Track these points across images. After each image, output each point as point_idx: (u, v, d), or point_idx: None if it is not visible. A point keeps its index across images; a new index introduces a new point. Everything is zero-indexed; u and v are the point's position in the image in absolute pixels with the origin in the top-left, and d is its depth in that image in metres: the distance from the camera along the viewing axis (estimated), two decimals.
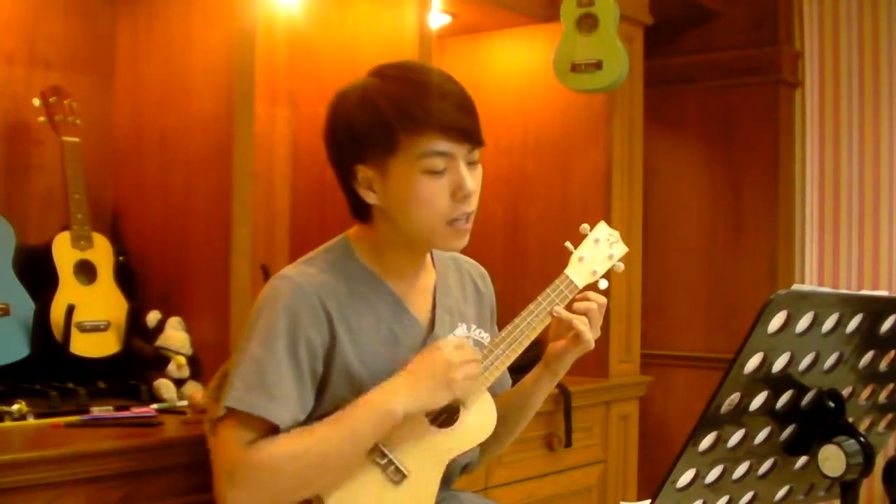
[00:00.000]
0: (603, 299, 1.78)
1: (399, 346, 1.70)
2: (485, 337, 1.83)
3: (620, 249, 1.83)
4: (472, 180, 1.65)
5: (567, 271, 1.78)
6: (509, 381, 1.91)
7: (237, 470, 1.55)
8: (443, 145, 1.61)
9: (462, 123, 1.62)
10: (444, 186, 1.62)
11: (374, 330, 1.68)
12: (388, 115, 1.61)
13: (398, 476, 1.63)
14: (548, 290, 1.75)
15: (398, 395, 1.59)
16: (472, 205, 1.66)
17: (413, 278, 1.76)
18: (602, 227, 1.83)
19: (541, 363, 1.83)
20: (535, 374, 1.84)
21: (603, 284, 1.81)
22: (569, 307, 1.77)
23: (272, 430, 1.57)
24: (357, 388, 1.63)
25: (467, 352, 1.66)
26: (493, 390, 1.74)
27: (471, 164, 1.66)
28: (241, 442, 1.56)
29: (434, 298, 1.77)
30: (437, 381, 1.61)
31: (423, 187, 1.62)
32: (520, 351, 1.72)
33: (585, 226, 1.81)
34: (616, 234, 1.84)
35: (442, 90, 1.63)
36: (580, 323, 1.74)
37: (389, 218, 1.67)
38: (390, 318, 1.70)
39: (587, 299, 1.77)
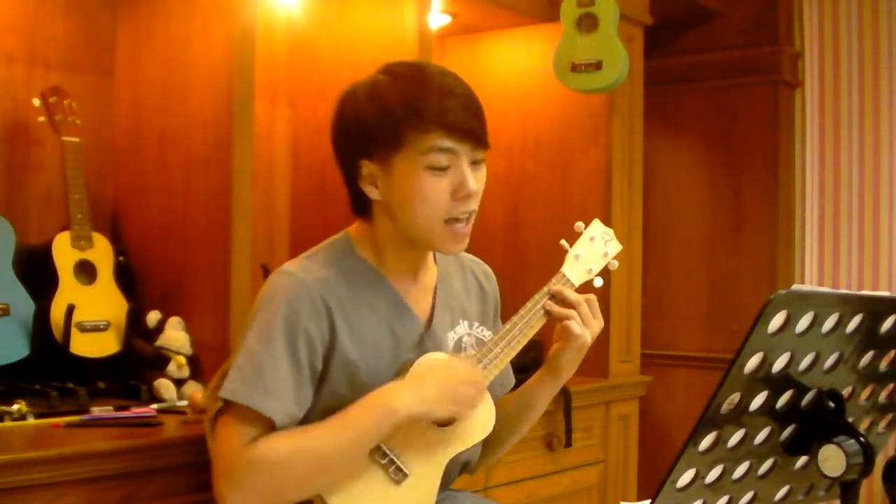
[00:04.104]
0: (592, 297, 1.77)
1: (398, 343, 1.70)
2: (487, 334, 1.83)
3: (615, 247, 1.84)
4: (475, 181, 1.65)
5: (563, 269, 1.78)
6: (512, 379, 1.91)
7: (235, 468, 1.55)
8: (447, 142, 1.62)
9: (468, 123, 1.63)
10: (445, 185, 1.63)
11: (373, 326, 1.68)
12: (395, 111, 1.62)
13: (399, 475, 1.63)
14: (544, 289, 1.75)
15: (401, 397, 1.59)
16: (473, 205, 1.67)
17: (414, 275, 1.76)
18: (597, 224, 1.83)
19: (543, 366, 1.82)
20: (538, 377, 1.84)
21: (598, 282, 1.81)
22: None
23: (271, 427, 1.57)
24: (356, 385, 1.64)
25: (476, 373, 1.66)
26: (494, 389, 1.74)
27: (475, 163, 1.66)
28: (240, 440, 1.56)
29: (435, 296, 1.78)
30: (443, 390, 1.61)
31: (425, 184, 1.62)
32: (518, 349, 1.72)
33: (580, 224, 1.81)
34: (611, 231, 1.84)
35: (450, 90, 1.65)
36: (570, 318, 1.73)
37: (390, 214, 1.68)
38: (390, 314, 1.70)
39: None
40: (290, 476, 1.56)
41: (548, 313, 1.73)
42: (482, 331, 1.84)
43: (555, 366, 1.79)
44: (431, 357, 1.68)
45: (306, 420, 1.62)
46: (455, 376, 1.63)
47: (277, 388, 1.57)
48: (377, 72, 1.71)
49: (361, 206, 1.72)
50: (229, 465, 1.56)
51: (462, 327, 1.80)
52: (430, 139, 1.61)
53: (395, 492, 1.63)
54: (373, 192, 1.67)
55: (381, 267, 1.72)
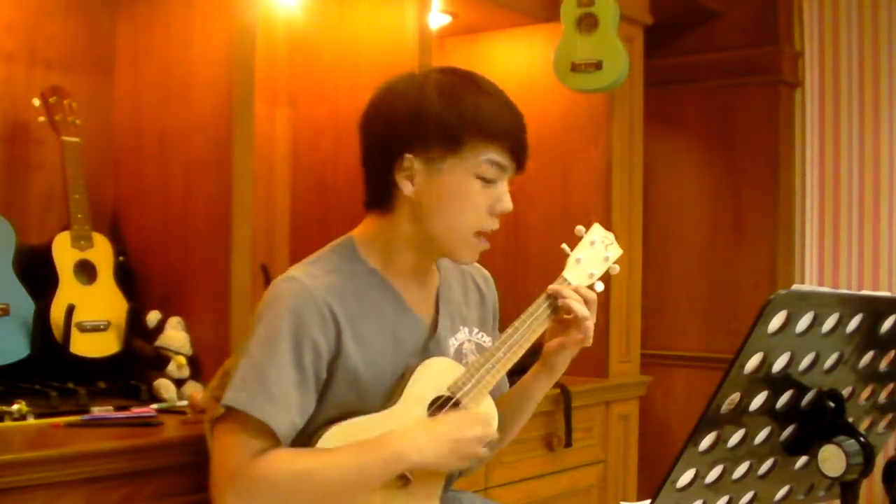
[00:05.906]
0: (593, 294, 1.77)
1: (402, 349, 1.69)
2: (487, 340, 1.83)
3: (616, 251, 1.83)
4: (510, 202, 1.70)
5: (564, 273, 1.77)
6: (507, 384, 1.90)
7: (239, 479, 1.54)
8: (502, 158, 1.66)
9: (522, 144, 1.68)
10: (486, 197, 1.67)
11: (378, 332, 1.67)
12: (467, 115, 1.63)
13: (402, 480, 1.63)
14: (545, 294, 1.75)
15: (416, 444, 1.59)
16: (498, 223, 1.70)
17: (417, 280, 1.75)
18: (597, 228, 1.83)
19: (538, 361, 1.83)
20: (533, 372, 1.84)
21: (599, 287, 1.80)
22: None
23: (273, 436, 1.56)
24: (360, 391, 1.63)
25: (491, 431, 1.68)
26: (492, 393, 1.74)
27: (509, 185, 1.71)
28: (245, 450, 1.55)
29: (437, 301, 1.77)
30: (458, 447, 1.62)
31: (472, 191, 1.65)
32: (520, 353, 1.72)
33: (580, 228, 1.81)
34: (611, 236, 1.84)
35: (513, 108, 1.69)
36: (581, 310, 1.72)
37: (416, 215, 1.67)
38: (394, 319, 1.70)
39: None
40: (294, 497, 1.56)
41: (553, 313, 1.73)
42: (482, 336, 1.83)
43: (552, 363, 1.80)
44: (434, 362, 1.68)
45: (309, 427, 1.61)
46: (471, 435, 1.63)
47: (281, 397, 1.56)
48: (438, 72, 1.71)
49: (382, 201, 1.69)
50: (233, 475, 1.55)
51: (462, 333, 1.79)
52: (490, 151, 1.65)
53: (398, 497, 1.63)
54: (406, 188, 1.65)
55: (385, 271, 1.71)
